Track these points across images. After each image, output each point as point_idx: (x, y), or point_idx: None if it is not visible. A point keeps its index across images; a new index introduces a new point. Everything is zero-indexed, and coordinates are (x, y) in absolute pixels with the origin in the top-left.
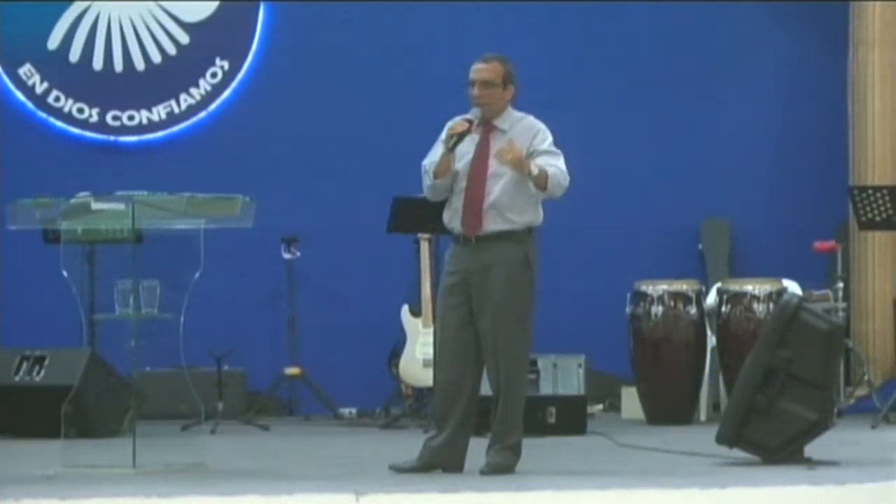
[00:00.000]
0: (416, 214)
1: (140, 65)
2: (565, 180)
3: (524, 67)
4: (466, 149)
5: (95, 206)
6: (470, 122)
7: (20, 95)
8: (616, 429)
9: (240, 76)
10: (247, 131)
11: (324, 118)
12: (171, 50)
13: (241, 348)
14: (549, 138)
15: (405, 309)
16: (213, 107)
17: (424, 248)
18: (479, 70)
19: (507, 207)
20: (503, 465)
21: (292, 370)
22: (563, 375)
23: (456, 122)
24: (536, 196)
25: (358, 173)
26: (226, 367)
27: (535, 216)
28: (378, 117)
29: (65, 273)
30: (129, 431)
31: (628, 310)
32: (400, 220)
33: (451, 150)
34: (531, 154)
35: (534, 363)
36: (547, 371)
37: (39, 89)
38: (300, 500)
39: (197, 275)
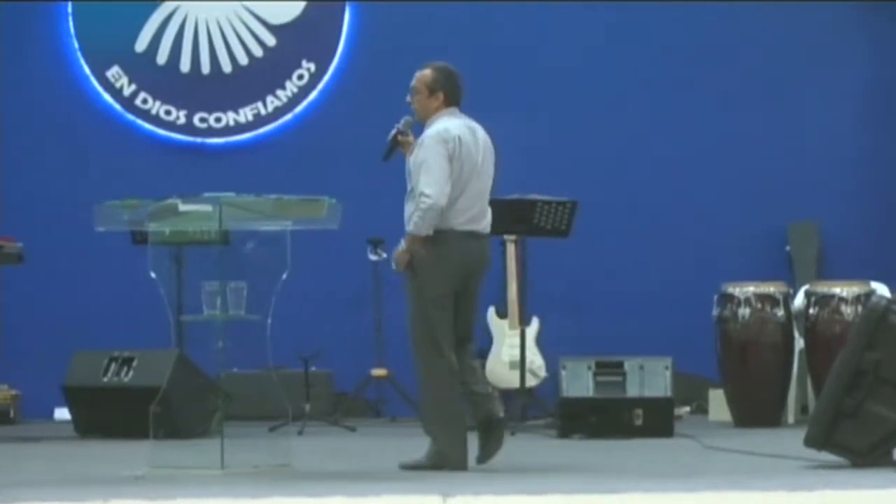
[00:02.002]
0: (502, 216)
1: (227, 67)
2: (422, 219)
3: (610, 67)
4: None
5: (183, 207)
6: (397, 129)
7: (108, 98)
8: (703, 431)
9: (326, 78)
10: (333, 133)
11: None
12: (258, 52)
13: (328, 350)
14: (423, 155)
15: (491, 310)
16: (299, 109)
17: (511, 249)
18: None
19: (408, 213)
20: (414, 463)
21: (379, 371)
22: (650, 377)
23: None
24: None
25: None
26: (313, 369)
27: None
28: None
29: (153, 274)
30: (216, 432)
31: (715, 312)
32: None
33: (384, 159)
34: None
35: (620, 365)
36: (634, 373)
37: (127, 91)
38: (387, 501)
39: (284, 276)
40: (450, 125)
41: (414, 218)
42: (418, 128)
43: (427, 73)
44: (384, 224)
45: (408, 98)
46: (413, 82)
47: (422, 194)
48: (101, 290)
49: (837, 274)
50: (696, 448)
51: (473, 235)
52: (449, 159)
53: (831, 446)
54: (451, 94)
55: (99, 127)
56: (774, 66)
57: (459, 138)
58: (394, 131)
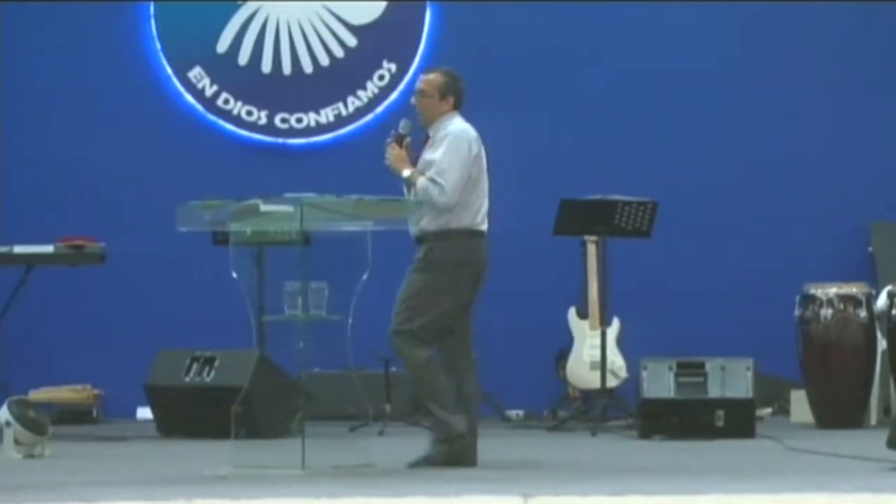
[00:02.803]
0: (583, 216)
1: (308, 67)
2: (425, 195)
3: (690, 66)
4: None
5: (264, 208)
6: (399, 133)
7: (190, 98)
8: (785, 432)
9: (407, 78)
10: (413, 133)
11: (491, 120)
12: (339, 52)
13: None
14: (448, 149)
15: (572, 311)
16: (380, 109)
17: (591, 249)
18: (419, 80)
19: (417, 214)
20: (423, 458)
21: None
22: (732, 378)
23: None
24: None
25: (525, 175)
26: (393, 369)
27: (438, 222)
28: (546, 119)
29: (234, 274)
30: (297, 432)
31: (797, 313)
32: (567, 222)
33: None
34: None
35: (701, 366)
36: (715, 374)
37: (209, 92)
38: (467, 501)
39: (364, 276)
40: (467, 127)
41: (424, 188)
42: (419, 132)
43: (437, 76)
44: None
45: (412, 100)
46: (420, 85)
47: (437, 183)
48: (183, 290)
49: None
50: (778, 449)
51: (483, 235)
52: (471, 160)
53: None
54: (459, 98)
55: (181, 127)
56: (857, 63)
57: (479, 139)
58: (395, 137)
